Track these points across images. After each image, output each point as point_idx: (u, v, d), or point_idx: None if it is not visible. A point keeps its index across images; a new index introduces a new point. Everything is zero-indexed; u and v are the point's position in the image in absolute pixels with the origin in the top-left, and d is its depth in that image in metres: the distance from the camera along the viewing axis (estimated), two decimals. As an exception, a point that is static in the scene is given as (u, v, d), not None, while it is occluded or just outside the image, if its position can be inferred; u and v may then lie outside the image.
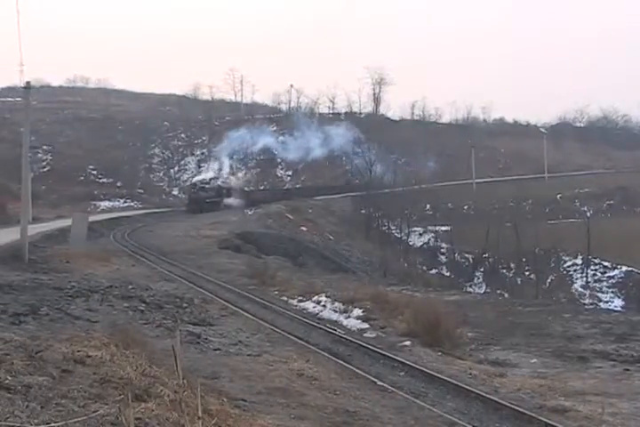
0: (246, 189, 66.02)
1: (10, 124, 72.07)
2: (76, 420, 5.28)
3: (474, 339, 15.38)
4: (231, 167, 72.13)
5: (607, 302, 49.42)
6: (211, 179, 61.07)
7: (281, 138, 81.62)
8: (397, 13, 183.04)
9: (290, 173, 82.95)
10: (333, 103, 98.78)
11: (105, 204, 64.90)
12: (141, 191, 70.46)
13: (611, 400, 10.24)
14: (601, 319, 17.39)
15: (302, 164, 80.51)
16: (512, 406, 9.50)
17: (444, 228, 62.71)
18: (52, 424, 5.12)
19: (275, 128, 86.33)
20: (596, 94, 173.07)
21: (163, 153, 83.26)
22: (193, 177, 71.92)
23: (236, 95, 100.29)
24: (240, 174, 71.51)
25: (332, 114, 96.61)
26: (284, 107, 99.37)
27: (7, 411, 5.37)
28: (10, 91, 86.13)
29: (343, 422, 8.39)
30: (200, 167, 76.99)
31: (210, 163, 73.12)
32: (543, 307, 20.44)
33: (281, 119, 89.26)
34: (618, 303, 48.18)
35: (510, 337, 15.62)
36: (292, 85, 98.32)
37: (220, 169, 67.35)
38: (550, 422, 8.84)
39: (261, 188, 73.67)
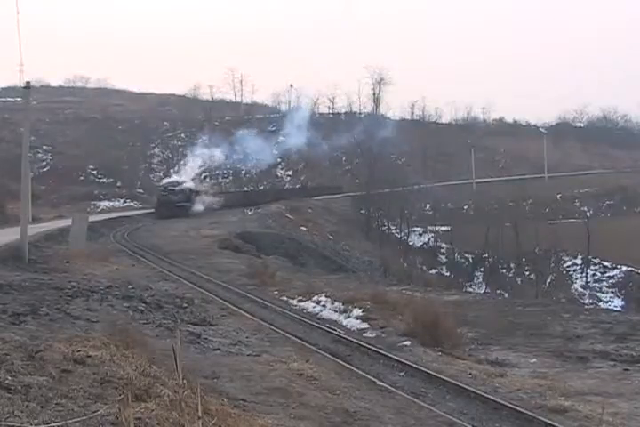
0: (220, 191, 62.70)
1: (10, 124, 72.06)
2: (75, 420, 5.28)
3: (473, 339, 15.39)
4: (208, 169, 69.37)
5: (607, 302, 49.43)
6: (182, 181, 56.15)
7: (281, 138, 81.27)
8: (397, 13, 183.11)
9: (290, 173, 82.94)
10: (333, 103, 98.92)
11: (105, 204, 64.83)
12: (141, 191, 70.28)
13: (611, 400, 10.25)
14: (601, 319, 17.39)
15: (303, 163, 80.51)
16: (512, 406, 9.50)
17: (443, 228, 62.74)
18: (52, 424, 5.12)
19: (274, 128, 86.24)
20: (596, 94, 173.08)
21: (163, 153, 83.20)
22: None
23: (235, 95, 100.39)
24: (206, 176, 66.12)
25: (332, 114, 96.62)
26: (284, 107, 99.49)
27: (7, 411, 5.37)
28: (10, 91, 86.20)
29: (343, 422, 8.39)
30: (200, 167, 76.25)
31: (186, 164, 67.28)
32: (543, 307, 20.43)
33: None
34: (618, 303, 48.18)
35: (510, 337, 15.62)
36: (291, 85, 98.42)
37: (195, 170, 62.97)
38: (550, 422, 8.84)
39: (232, 190, 70.33)
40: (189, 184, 55.35)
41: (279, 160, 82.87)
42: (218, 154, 68.55)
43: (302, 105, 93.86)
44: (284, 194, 66.17)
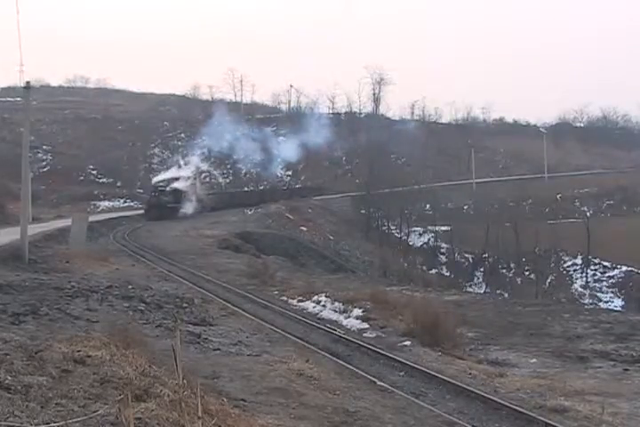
0: (207, 191, 59.43)
1: (10, 124, 72.10)
2: (75, 420, 5.28)
3: (473, 339, 15.39)
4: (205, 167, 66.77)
5: (607, 302, 49.46)
6: (172, 179, 53.13)
7: (281, 138, 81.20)
8: (397, 14, 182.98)
9: (290, 172, 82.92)
10: (333, 103, 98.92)
11: (105, 204, 64.77)
12: (141, 191, 70.16)
13: (610, 400, 10.25)
14: (601, 319, 17.39)
15: (303, 163, 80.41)
16: (512, 406, 9.50)
17: (444, 228, 62.72)
18: (52, 424, 5.12)
19: (275, 128, 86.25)
20: (596, 94, 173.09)
21: (163, 153, 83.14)
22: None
23: (235, 95, 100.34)
24: (192, 173, 59.91)
25: (332, 114, 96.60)
26: (283, 107, 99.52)
27: (7, 411, 5.37)
28: (10, 91, 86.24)
29: (343, 422, 8.39)
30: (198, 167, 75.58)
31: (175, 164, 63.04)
32: (543, 307, 20.43)
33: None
34: (618, 303, 48.23)
35: (510, 337, 15.62)
36: (291, 85, 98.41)
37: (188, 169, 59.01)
38: (550, 422, 8.84)
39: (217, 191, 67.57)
40: (180, 184, 52.63)
41: (279, 160, 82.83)
42: (216, 154, 68.18)
43: (312, 106, 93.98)
44: (274, 195, 64.34)
